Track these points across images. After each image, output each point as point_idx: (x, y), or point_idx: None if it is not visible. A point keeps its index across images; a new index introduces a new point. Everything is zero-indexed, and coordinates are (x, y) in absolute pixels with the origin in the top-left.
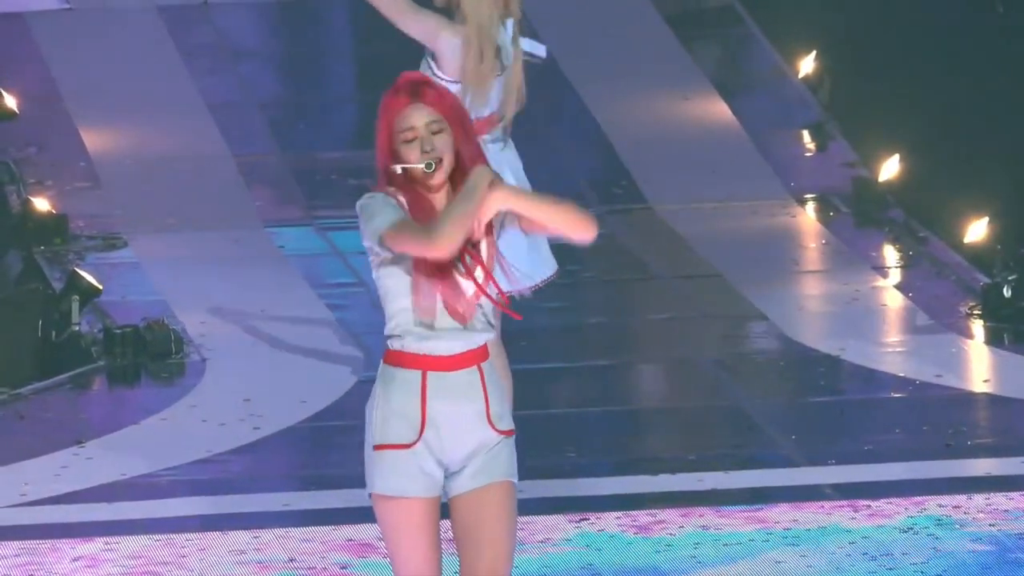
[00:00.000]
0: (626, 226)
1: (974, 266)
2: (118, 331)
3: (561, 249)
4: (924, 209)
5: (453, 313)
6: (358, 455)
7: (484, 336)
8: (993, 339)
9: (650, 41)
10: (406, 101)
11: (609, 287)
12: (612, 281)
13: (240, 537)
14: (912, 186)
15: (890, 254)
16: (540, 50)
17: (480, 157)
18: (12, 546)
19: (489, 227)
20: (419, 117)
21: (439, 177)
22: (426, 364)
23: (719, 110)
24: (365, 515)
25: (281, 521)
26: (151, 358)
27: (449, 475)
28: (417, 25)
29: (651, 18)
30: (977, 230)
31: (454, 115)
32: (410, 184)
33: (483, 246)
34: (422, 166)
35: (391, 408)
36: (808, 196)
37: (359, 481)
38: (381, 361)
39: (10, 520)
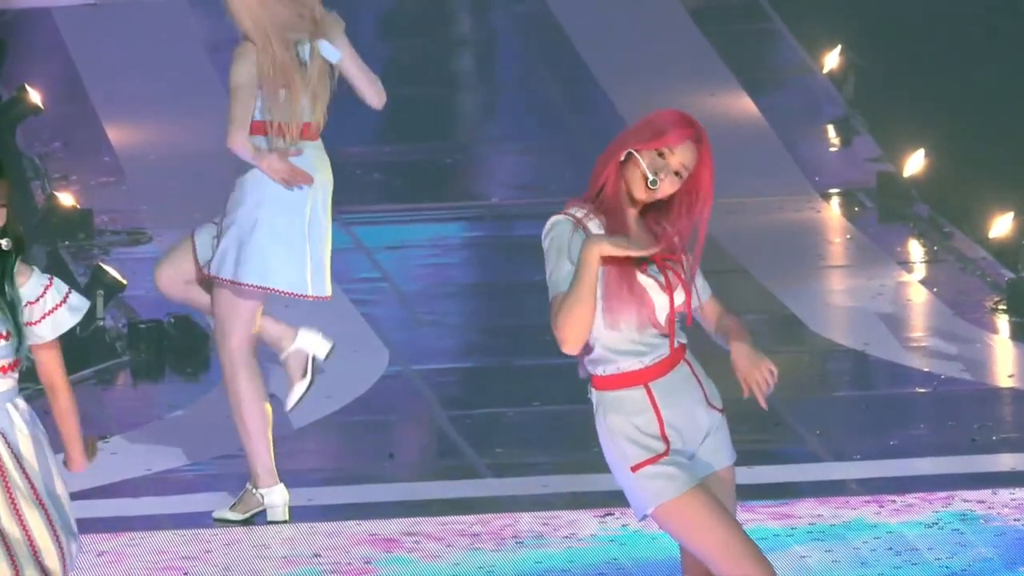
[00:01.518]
0: None
1: (999, 261)
2: (143, 326)
3: None
4: (949, 204)
5: (655, 326)
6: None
7: (679, 336)
8: (1018, 334)
9: (676, 37)
10: (690, 135)
11: None
12: None
13: (265, 532)
14: (937, 181)
15: (915, 249)
16: (333, 56)
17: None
18: None
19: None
20: (685, 154)
21: (652, 196)
22: (646, 377)
23: (744, 105)
24: (389, 510)
25: (306, 516)
26: (175, 353)
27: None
28: (248, 100)
29: (677, 14)
30: (1002, 225)
31: (696, 181)
32: (617, 194)
33: (684, 262)
34: (650, 176)
35: (630, 430)
36: (833, 191)
37: (383, 476)
38: (593, 389)
39: None
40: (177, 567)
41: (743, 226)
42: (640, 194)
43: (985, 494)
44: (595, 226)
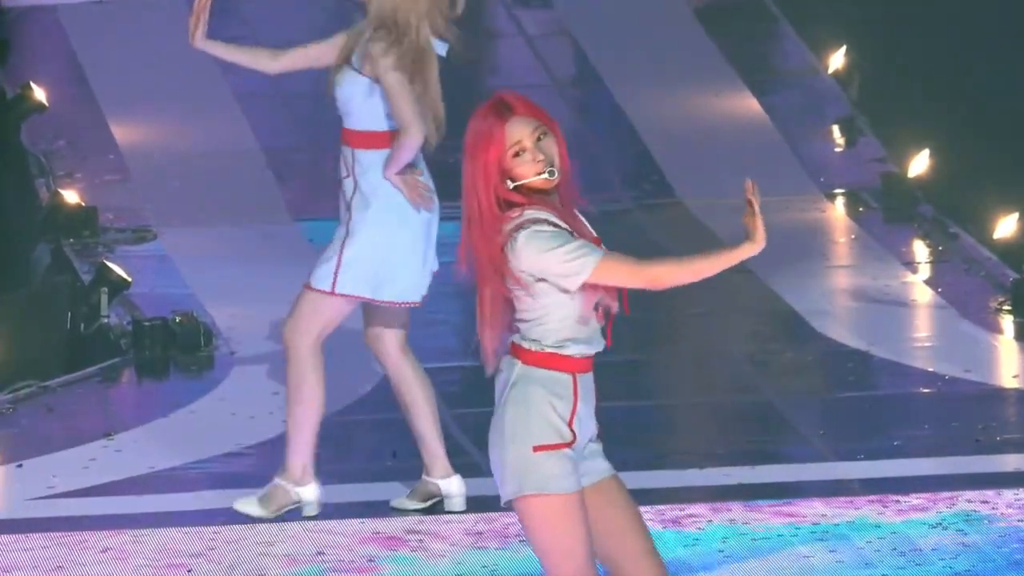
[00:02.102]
0: (656, 221)
1: (1004, 262)
2: (147, 324)
3: None
4: (954, 205)
5: (599, 319)
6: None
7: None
8: (1022, 335)
9: (681, 37)
10: (500, 123)
11: None
12: None
13: (268, 530)
14: (942, 182)
15: (919, 250)
16: (442, 50)
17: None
18: (41, 538)
19: None
20: (521, 130)
21: (561, 177)
22: (578, 367)
23: (749, 106)
24: (393, 509)
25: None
26: (180, 351)
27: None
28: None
29: (682, 14)
30: (1007, 225)
31: (547, 117)
32: (539, 198)
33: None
34: (544, 175)
35: (550, 407)
36: (838, 191)
37: (387, 475)
38: (519, 363)
39: (39, 512)
40: (181, 564)
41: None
42: (556, 183)
43: (989, 495)
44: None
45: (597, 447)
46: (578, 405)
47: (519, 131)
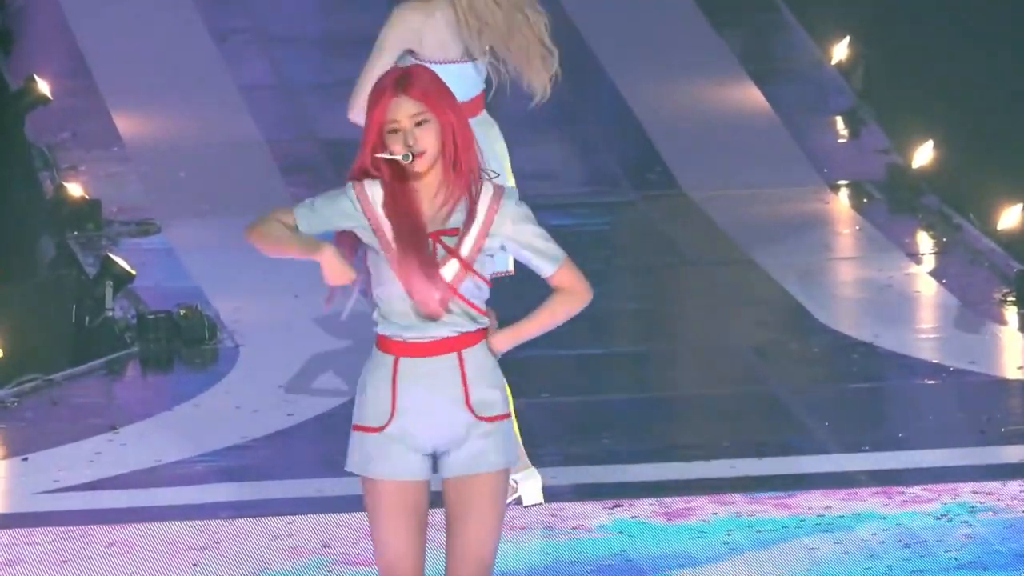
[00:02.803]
0: (659, 212)
1: (1008, 253)
2: (151, 317)
3: (595, 235)
4: (958, 195)
5: (423, 306)
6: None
7: (456, 327)
8: None
9: (684, 27)
10: (391, 95)
11: (642, 273)
12: (645, 267)
13: (274, 523)
14: (946, 172)
15: (924, 241)
16: None
17: (470, 148)
18: (46, 532)
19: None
20: (403, 110)
21: (420, 166)
22: (399, 350)
23: (752, 96)
24: None
25: (315, 507)
26: (185, 344)
27: (437, 458)
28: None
29: (685, 4)
30: (1011, 216)
31: (440, 106)
32: (395, 175)
33: (465, 243)
34: (399, 157)
35: (367, 390)
36: (841, 182)
37: None
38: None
39: (44, 506)
40: (187, 558)
41: (751, 217)
42: (417, 169)
43: (994, 486)
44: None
45: (477, 445)
46: (400, 392)
47: (400, 111)
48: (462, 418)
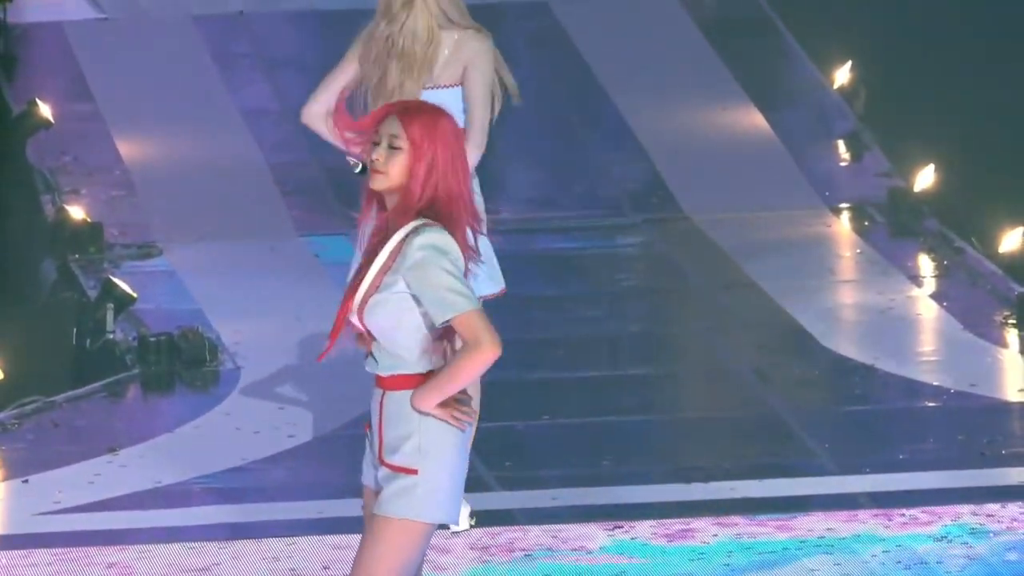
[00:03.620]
0: (662, 236)
1: (1009, 276)
2: (152, 339)
3: (600, 258)
4: (959, 219)
5: (360, 341)
6: None
7: (384, 367)
8: None
9: (686, 51)
10: (391, 111)
11: (645, 296)
12: (648, 290)
13: (274, 544)
14: (947, 196)
15: (925, 264)
16: None
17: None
18: (46, 553)
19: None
20: (387, 127)
21: (373, 182)
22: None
23: (755, 120)
24: None
25: (315, 529)
26: (185, 366)
27: None
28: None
29: (687, 28)
30: (1012, 240)
31: (422, 143)
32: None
33: (367, 278)
34: (352, 164)
35: None
36: (843, 206)
37: None
38: None
39: (44, 527)
40: None
41: (753, 240)
42: (368, 184)
43: (994, 508)
44: None
45: (381, 482)
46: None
47: (386, 128)
48: (373, 457)
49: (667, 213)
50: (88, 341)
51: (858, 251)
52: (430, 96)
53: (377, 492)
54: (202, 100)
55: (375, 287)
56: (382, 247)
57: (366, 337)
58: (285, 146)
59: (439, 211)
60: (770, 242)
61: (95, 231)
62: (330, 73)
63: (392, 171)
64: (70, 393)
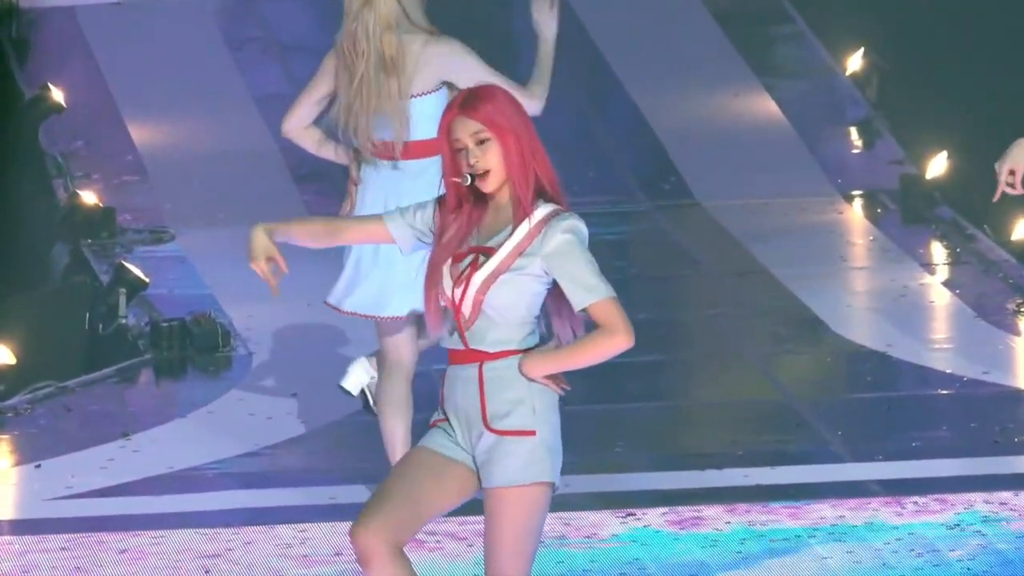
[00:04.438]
0: (674, 222)
1: (1022, 263)
2: (165, 324)
3: (610, 244)
4: (972, 206)
5: (456, 316)
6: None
7: (491, 343)
8: None
9: (699, 38)
10: (455, 113)
11: (657, 283)
12: (660, 277)
13: (286, 531)
14: (960, 183)
15: (937, 251)
16: None
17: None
18: (58, 539)
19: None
20: (463, 129)
21: (486, 186)
22: (448, 356)
23: (767, 107)
24: None
25: (328, 515)
26: (198, 351)
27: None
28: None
29: (700, 15)
30: None
31: (501, 126)
32: (469, 197)
33: (495, 258)
34: (460, 180)
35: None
36: (856, 193)
37: None
38: None
39: (56, 512)
40: (198, 565)
41: (765, 227)
42: (485, 189)
43: (1007, 496)
44: None
45: (490, 457)
46: (446, 392)
47: (461, 130)
48: (479, 428)
49: (679, 199)
50: (101, 326)
51: (870, 238)
52: (412, 106)
53: (447, 459)
54: (214, 85)
55: (506, 266)
56: (513, 232)
57: (461, 315)
58: None
59: (550, 195)
60: (782, 229)
61: (107, 216)
62: (307, 86)
63: (493, 164)
64: (83, 378)
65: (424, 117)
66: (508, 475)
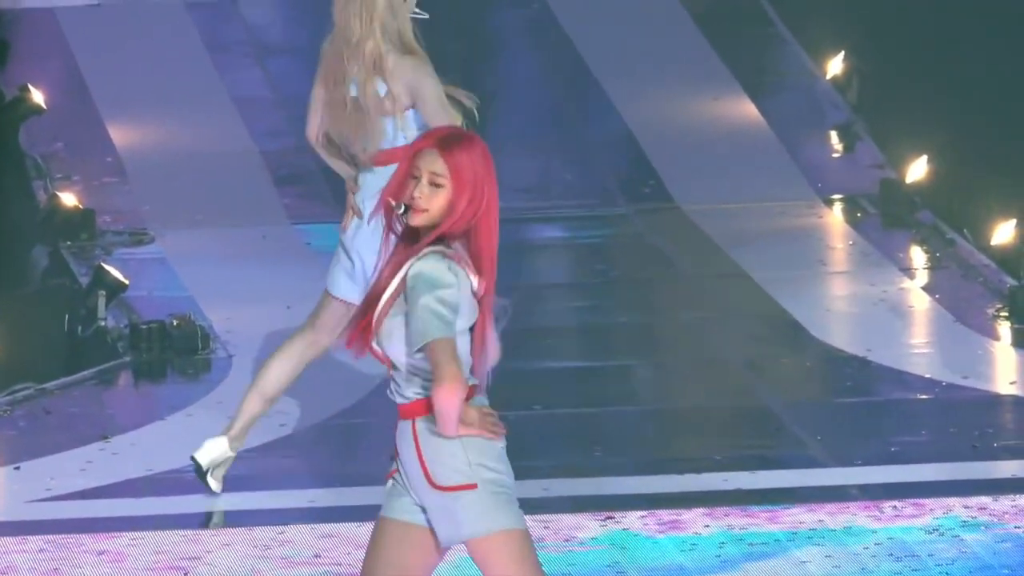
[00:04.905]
0: (654, 226)
1: (1001, 268)
2: (144, 327)
3: (589, 248)
4: (951, 211)
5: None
6: (378, 452)
7: (406, 395)
8: (1019, 341)
9: (679, 41)
10: (429, 145)
11: (636, 287)
12: (639, 281)
13: (265, 533)
14: (939, 188)
15: (917, 255)
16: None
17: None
18: (37, 540)
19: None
20: (427, 164)
21: (412, 219)
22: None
23: (747, 110)
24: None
25: (306, 517)
26: (177, 354)
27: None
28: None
29: (680, 18)
30: (1004, 232)
31: (466, 184)
32: (398, 219)
33: (382, 301)
34: (393, 204)
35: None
36: (835, 197)
37: (384, 479)
38: None
39: (35, 515)
40: (178, 567)
41: (745, 231)
42: (410, 222)
43: (986, 501)
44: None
45: (439, 516)
46: (396, 442)
47: (425, 163)
48: (422, 484)
49: (659, 203)
50: (80, 328)
51: (850, 242)
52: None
53: (412, 525)
54: (195, 87)
55: (385, 312)
56: (396, 272)
57: (386, 362)
58: (277, 133)
59: (468, 242)
60: (762, 233)
61: (87, 218)
62: (311, 95)
63: (434, 208)
64: (62, 380)
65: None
66: (462, 530)
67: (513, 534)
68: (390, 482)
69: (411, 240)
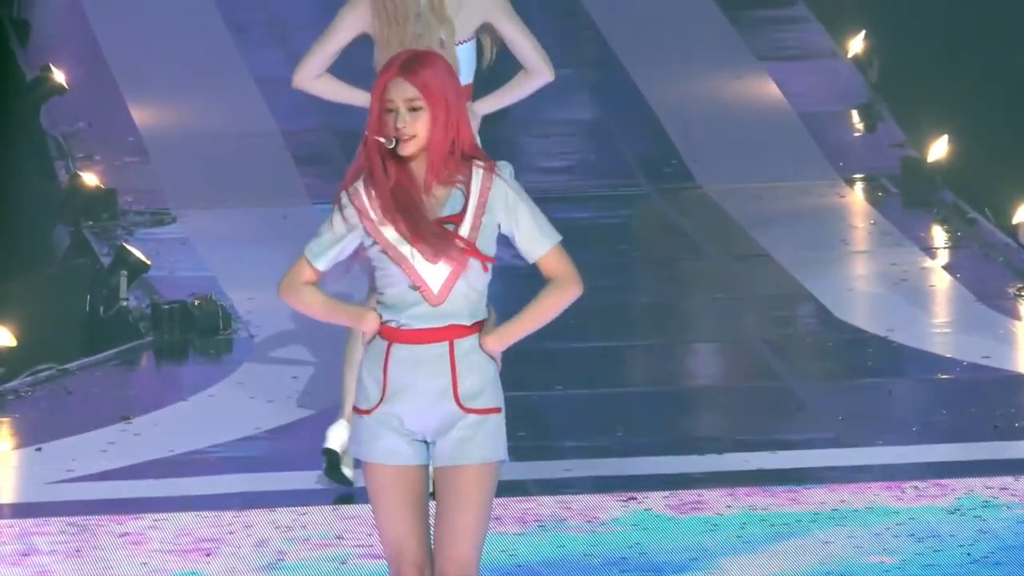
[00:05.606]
0: (675, 206)
1: (1022, 247)
2: (166, 307)
3: (611, 228)
4: (973, 190)
5: (426, 294)
6: None
7: (467, 315)
8: None
9: (701, 21)
10: (393, 74)
11: (658, 267)
12: (661, 261)
13: (287, 514)
14: (961, 167)
15: (938, 235)
16: None
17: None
18: (59, 522)
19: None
20: (399, 92)
21: (404, 150)
22: (394, 336)
23: (769, 90)
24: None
25: (328, 498)
26: (199, 334)
27: (429, 445)
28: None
29: None
30: None
31: (436, 96)
32: (384, 155)
33: (463, 227)
34: (383, 140)
35: (362, 373)
36: (857, 176)
37: None
38: None
39: (57, 496)
40: (200, 548)
41: (766, 211)
42: (403, 152)
43: (1007, 480)
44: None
45: (465, 435)
46: (391, 375)
47: (396, 92)
48: (448, 408)
49: (680, 183)
50: (102, 308)
51: (871, 222)
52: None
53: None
54: (216, 67)
55: (476, 231)
56: (466, 197)
57: (429, 291)
58: (298, 113)
59: (468, 154)
60: (783, 213)
61: (109, 198)
62: (320, 40)
63: (420, 132)
64: (83, 361)
65: (462, 63)
66: (481, 453)
67: (500, 465)
68: (367, 419)
69: (442, 164)
